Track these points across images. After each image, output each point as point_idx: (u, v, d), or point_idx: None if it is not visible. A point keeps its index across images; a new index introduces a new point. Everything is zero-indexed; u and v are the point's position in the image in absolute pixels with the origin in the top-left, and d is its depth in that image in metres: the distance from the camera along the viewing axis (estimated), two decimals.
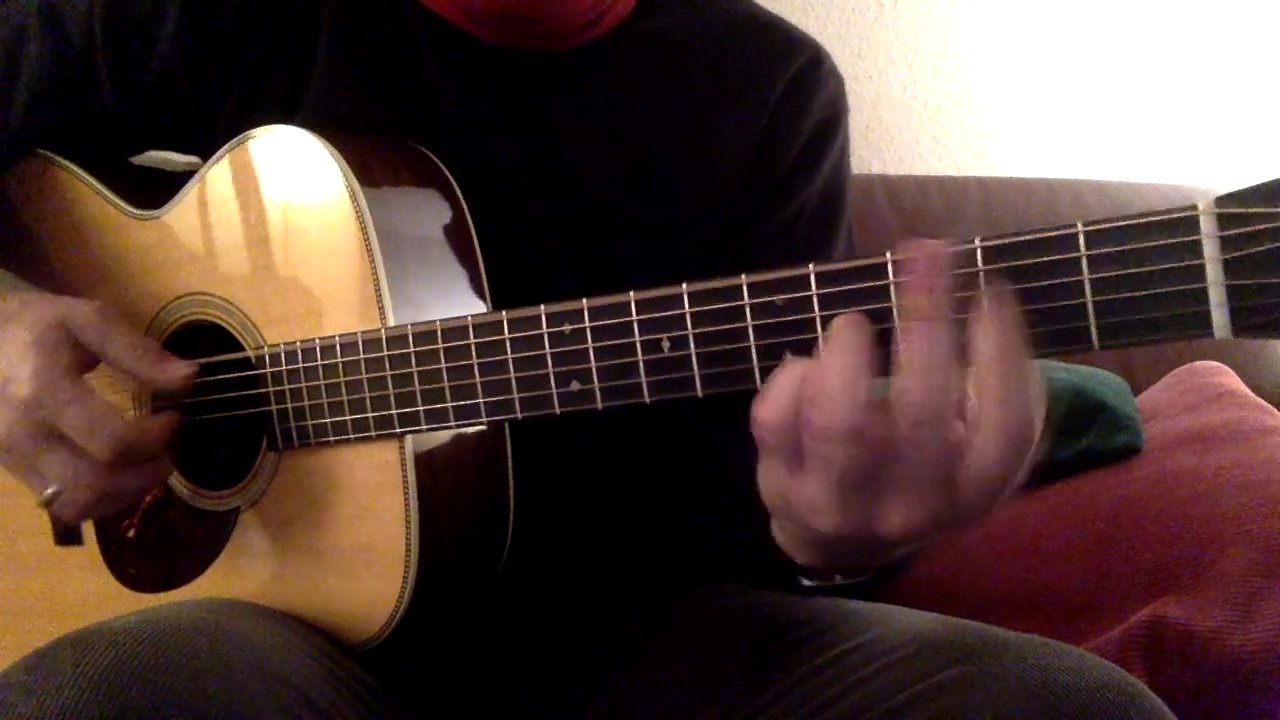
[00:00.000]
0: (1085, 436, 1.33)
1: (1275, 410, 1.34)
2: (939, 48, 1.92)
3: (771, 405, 0.49)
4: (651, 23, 0.83)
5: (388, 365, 0.66)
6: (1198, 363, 1.56)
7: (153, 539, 0.78)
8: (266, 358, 0.72)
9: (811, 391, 0.48)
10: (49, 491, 0.68)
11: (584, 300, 0.58)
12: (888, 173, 1.81)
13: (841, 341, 0.48)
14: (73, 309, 0.69)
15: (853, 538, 0.50)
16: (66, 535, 0.81)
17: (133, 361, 0.70)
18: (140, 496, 0.72)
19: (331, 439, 0.69)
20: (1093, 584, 1.14)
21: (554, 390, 0.60)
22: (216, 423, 0.75)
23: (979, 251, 0.48)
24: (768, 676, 0.68)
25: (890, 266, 0.49)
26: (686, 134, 0.81)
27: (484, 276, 0.73)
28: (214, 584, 0.75)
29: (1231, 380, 1.47)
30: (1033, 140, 2.02)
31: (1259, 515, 1.07)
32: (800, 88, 0.84)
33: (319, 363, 0.69)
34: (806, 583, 0.62)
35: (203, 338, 0.76)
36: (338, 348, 0.68)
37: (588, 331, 0.58)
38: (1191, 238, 0.43)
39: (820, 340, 0.51)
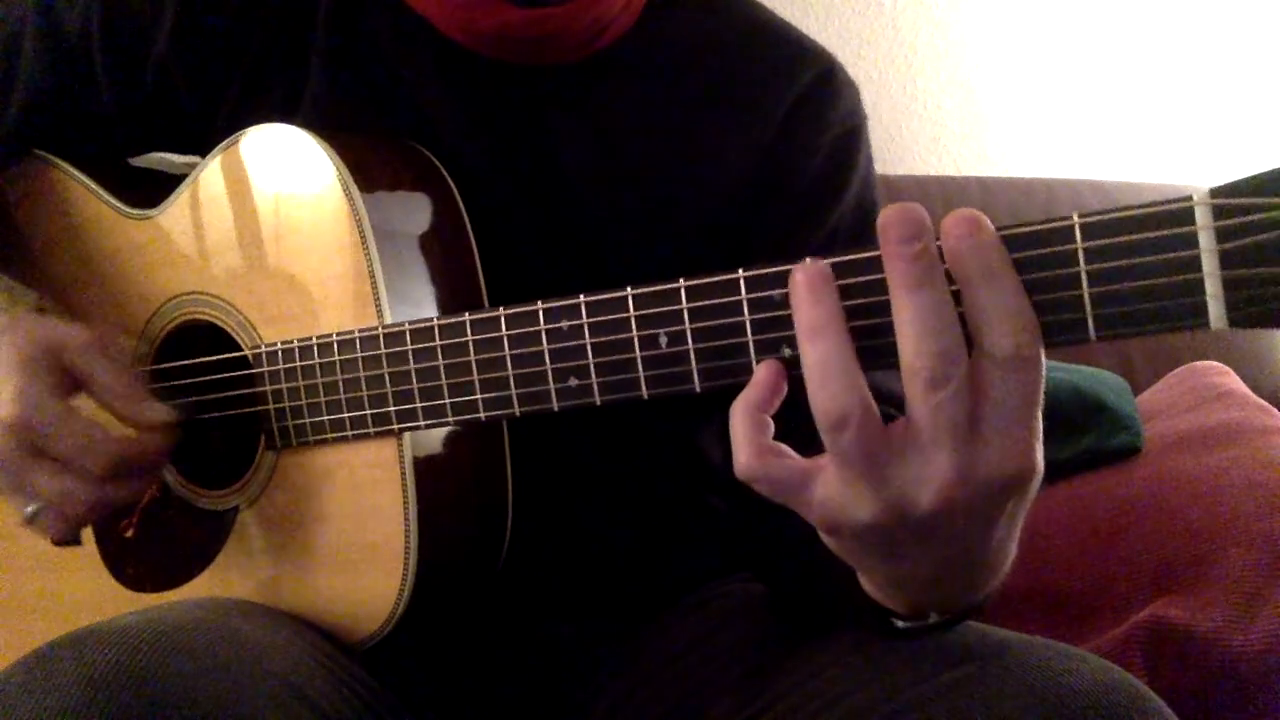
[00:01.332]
0: (1085, 436, 1.33)
1: (1275, 410, 1.34)
2: (939, 48, 1.92)
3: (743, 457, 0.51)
4: (656, 33, 0.81)
5: (385, 363, 0.66)
6: (1198, 363, 1.56)
7: (151, 539, 0.78)
8: (264, 356, 0.72)
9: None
10: (29, 510, 0.67)
11: (581, 296, 0.58)
12: (888, 173, 1.81)
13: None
14: (64, 335, 0.69)
15: (895, 525, 0.49)
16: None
17: (114, 398, 0.69)
18: (133, 502, 0.71)
19: (329, 437, 0.69)
20: (1093, 584, 1.14)
21: (552, 386, 0.60)
22: (214, 422, 0.75)
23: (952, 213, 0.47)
24: (768, 678, 0.68)
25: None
26: (687, 145, 0.80)
27: (480, 274, 0.73)
28: (213, 583, 0.75)
29: (1231, 380, 1.47)
30: (1033, 140, 2.02)
31: (1259, 515, 1.07)
32: (812, 101, 0.81)
33: (316, 361, 0.69)
34: (900, 624, 0.60)
35: (199, 337, 0.76)
36: (335, 346, 0.68)
37: (585, 327, 0.58)
38: (1187, 229, 0.43)
39: None
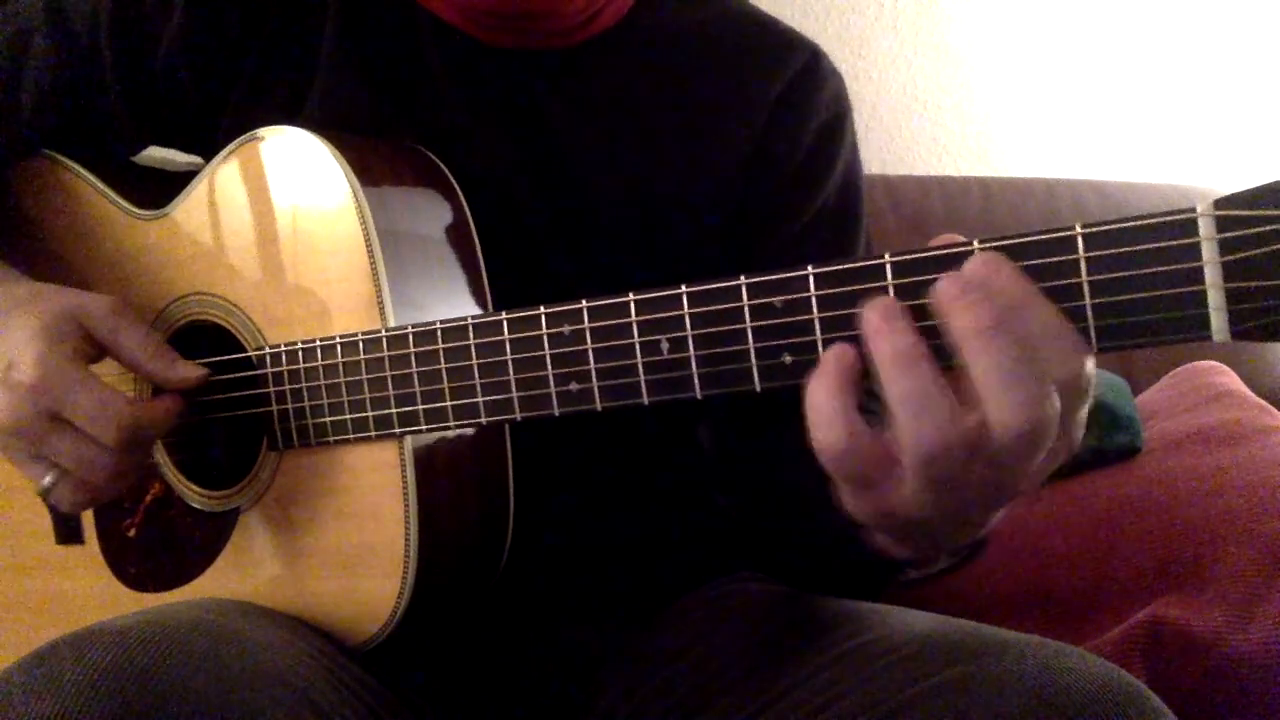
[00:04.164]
0: (1085, 436, 1.33)
1: (1275, 410, 1.34)
2: (939, 48, 1.92)
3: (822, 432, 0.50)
4: (649, 20, 0.83)
5: (388, 365, 0.66)
6: (1198, 363, 1.55)
7: (153, 539, 0.78)
8: (268, 357, 0.72)
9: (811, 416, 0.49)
10: (47, 480, 0.68)
11: (583, 300, 0.58)
12: (888, 173, 1.81)
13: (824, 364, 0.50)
14: (87, 301, 0.70)
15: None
16: (68, 534, 0.82)
17: (144, 358, 0.69)
18: (136, 483, 0.72)
19: (332, 439, 0.69)
20: (1093, 584, 1.14)
21: (553, 391, 0.60)
22: (218, 423, 0.75)
23: (976, 254, 0.48)
24: (768, 677, 0.68)
25: (889, 268, 0.49)
26: (683, 132, 0.82)
27: (485, 277, 0.73)
28: (214, 584, 0.75)
29: (1231, 380, 1.47)
30: (1033, 140, 2.02)
31: (1259, 515, 1.07)
32: (800, 89, 0.84)
33: (319, 363, 0.69)
34: (913, 574, 0.63)
35: (204, 338, 0.76)
36: (338, 348, 0.68)
37: (587, 332, 0.58)
38: (1190, 240, 0.43)
39: (819, 343, 0.52)
